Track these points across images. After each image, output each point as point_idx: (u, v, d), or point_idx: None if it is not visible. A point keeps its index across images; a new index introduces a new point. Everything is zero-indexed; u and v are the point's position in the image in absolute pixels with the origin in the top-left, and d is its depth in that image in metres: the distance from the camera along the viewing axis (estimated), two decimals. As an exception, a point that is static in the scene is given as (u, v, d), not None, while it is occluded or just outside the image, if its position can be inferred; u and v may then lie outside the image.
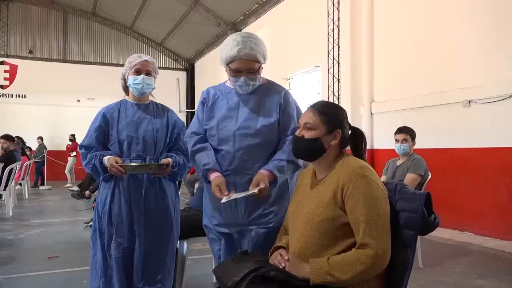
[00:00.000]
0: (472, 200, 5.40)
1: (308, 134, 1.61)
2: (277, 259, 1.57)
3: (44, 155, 12.83)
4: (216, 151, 2.00)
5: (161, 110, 2.49)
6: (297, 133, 1.66)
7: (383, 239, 1.42)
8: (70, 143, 13.18)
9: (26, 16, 15.14)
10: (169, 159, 2.35)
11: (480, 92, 5.40)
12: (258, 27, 11.44)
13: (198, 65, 16.78)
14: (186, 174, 2.68)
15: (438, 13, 6.08)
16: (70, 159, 12.96)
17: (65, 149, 13.50)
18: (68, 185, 12.32)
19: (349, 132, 1.67)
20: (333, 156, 1.63)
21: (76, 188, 10.64)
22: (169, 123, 2.45)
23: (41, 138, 13.21)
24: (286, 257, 1.54)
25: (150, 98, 2.52)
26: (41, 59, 15.21)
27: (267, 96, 2.03)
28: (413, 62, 6.50)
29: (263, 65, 2.03)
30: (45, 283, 3.52)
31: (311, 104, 1.67)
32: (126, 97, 2.48)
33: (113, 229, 2.30)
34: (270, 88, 2.07)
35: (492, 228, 5.16)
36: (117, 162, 2.22)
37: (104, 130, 2.35)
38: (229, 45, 1.94)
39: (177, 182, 2.57)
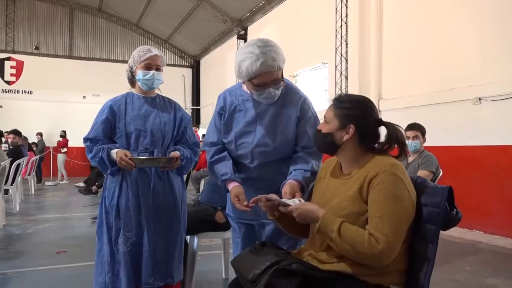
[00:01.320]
0: (481, 198, 5.35)
1: (324, 128, 1.61)
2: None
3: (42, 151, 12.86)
4: (234, 162, 1.99)
5: (167, 104, 2.47)
6: (319, 126, 1.67)
7: (392, 241, 1.38)
8: (60, 139, 13.14)
9: (32, 12, 15.18)
10: (178, 152, 2.33)
11: (490, 89, 5.35)
12: (265, 24, 11.40)
13: (204, 62, 16.76)
14: (192, 169, 2.67)
15: (447, 9, 6.02)
16: (60, 156, 12.90)
17: (74, 145, 13.48)
18: (64, 181, 12.40)
19: (375, 126, 1.58)
20: (355, 151, 1.57)
21: (81, 184, 10.67)
22: (176, 117, 2.44)
23: (40, 134, 13.25)
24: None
25: (156, 91, 2.49)
26: (47, 55, 15.25)
27: (284, 108, 1.95)
28: (422, 59, 6.44)
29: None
30: (53, 277, 3.52)
31: (335, 97, 1.64)
32: (132, 90, 2.45)
33: (120, 223, 2.26)
34: (287, 97, 1.97)
35: (501, 226, 5.12)
36: (126, 156, 2.18)
37: (111, 123, 2.32)
38: (248, 60, 1.78)
39: (184, 175, 2.57)
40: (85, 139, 2.32)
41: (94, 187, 7.65)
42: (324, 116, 1.63)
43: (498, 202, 5.15)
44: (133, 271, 2.24)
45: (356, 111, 1.57)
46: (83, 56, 15.73)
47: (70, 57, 15.54)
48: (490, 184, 5.28)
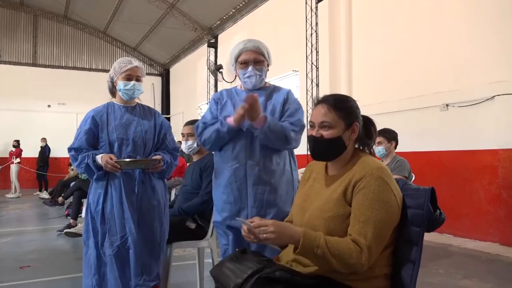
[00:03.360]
0: (451, 202, 5.46)
1: (327, 134, 1.50)
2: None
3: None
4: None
5: (147, 112, 2.58)
6: (313, 133, 1.53)
7: (373, 247, 1.36)
8: (13, 149, 12.38)
9: (-7, 18, 14.62)
10: (160, 155, 2.45)
11: (457, 96, 5.50)
12: (235, 32, 11.39)
13: (174, 70, 16.58)
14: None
15: (414, 18, 6.18)
16: (13, 166, 12.00)
17: (36, 155, 12.85)
18: (11, 195, 11.48)
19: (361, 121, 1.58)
20: (350, 151, 1.55)
21: (46, 196, 10.26)
22: (156, 124, 2.54)
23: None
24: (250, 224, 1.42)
25: (136, 100, 2.60)
26: (10, 62, 14.67)
27: (273, 95, 2.25)
28: (391, 67, 6.58)
29: (268, 68, 2.28)
30: (16, 294, 3.32)
31: (321, 98, 1.56)
32: (113, 100, 2.55)
33: (106, 228, 2.35)
34: (276, 89, 2.30)
35: (471, 229, 5.23)
36: (111, 159, 2.29)
37: (94, 133, 2.42)
38: (237, 45, 2.24)
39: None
40: (70, 149, 2.42)
41: (60, 198, 7.37)
42: (322, 121, 1.51)
43: (467, 206, 5.27)
44: (121, 273, 2.34)
45: (355, 109, 1.56)
46: (48, 64, 15.21)
47: (34, 64, 15.00)
48: (459, 188, 5.41)
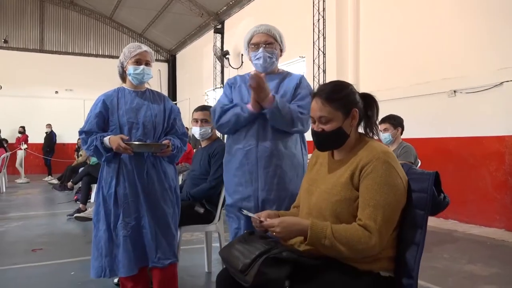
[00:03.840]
0: (457, 188, 5.47)
1: (327, 127, 1.53)
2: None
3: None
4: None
5: (157, 97, 2.61)
6: (315, 128, 1.58)
7: (383, 229, 1.40)
8: (20, 135, 12.53)
9: (0, 4, 14.60)
10: (169, 140, 2.49)
11: (465, 82, 5.46)
12: (242, 18, 11.33)
13: (180, 56, 16.55)
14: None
15: (424, 3, 6.12)
16: (19, 152, 12.10)
17: (42, 141, 13.04)
18: (20, 180, 11.49)
19: (361, 102, 1.59)
20: (354, 136, 1.58)
21: (55, 181, 10.40)
22: (166, 109, 2.57)
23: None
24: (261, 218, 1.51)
25: (146, 85, 2.63)
26: (17, 49, 14.71)
27: (286, 80, 2.30)
28: (398, 53, 6.53)
29: (282, 54, 2.33)
30: (30, 275, 3.41)
31: (315, 91, 1.59)
32: (123, 85, 2.59)
33: (119, 210, 2.41)
34: (289, 74, 2.34)
35: (476, 215, 5.26)
36: (122, 140, 2.32)
37: (104, 116, 2.46)
38: (250, 29, 2.31)
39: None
40: (80, 132, 2.47)
41: (69, 183, 7.48)
42: (320, 117, 1.54)
43: (472, 192, 5.28)
44: (136, 252, 2.39)
45: (351, 96, 1.57)
46: (54, 50, 15.23)
47: (41, 50, 15.04)
48: (465, 175, 5.42)
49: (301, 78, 2.29)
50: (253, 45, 2.25)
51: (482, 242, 4.50)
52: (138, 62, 2.46)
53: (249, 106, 2.14)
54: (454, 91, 5.62)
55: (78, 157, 11.99)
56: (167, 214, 2.48)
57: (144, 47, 2.52)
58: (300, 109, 2.15)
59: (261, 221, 1.49)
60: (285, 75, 2.32)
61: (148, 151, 2.44)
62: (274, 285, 1.35)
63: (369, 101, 1.61)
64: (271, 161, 2.15)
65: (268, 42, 2.23)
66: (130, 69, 2.48)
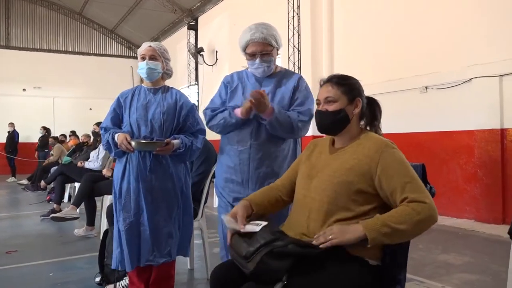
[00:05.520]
0: (429, 181, 5.65)
1: (331, 107, 1.61)
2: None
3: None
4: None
5: (170, 93, 2.61)
6: (319, 108, 1.65)
7: (428, 195, 1.46)
8: None
9: (-38, -2, 14.03)
10: (173, 141, 2.44)
11: (436, 78, 5.65)
12: (216, 15, 11.28)
13: (153, 53, 16.29)
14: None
15: (396, 3, 6.27)
16: None
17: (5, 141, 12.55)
18: None
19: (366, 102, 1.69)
20: (356, 126, 1.65)
21: (25, 181, 10.09)
22: (177, 105, 2.55)
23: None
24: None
25: (163, 82, 2.65)
26: (-19, 45, 14.19)
27: (284, 80, 2.26)
28: (373, 50, 6.68)
29: (279, 52, 2.30)
30: (7, 278, 3.31)
31: (326, 78, 1.68)
32: (143, 84, 2.64)
33: (122, 204, 2.46)
34: (287, 74, 2.31)
35: (448, 207, 5.45)
36: (126, 139, 2.38)
37: (118, 113, 2.55)
38: (244, 33, 2.22)
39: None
40: (101, 128, 2.60)
41: (42, 183, 7.27)
42: (326, 97, 1.62)
43: (444, 185, 5.47)
44: (133, 248, 2.42)
45: (357, 86, 1.67)
46: (22, 46, 14.73)
47: (7, 47, 14.50)
48: (437, 168, 5.60)
49: (299, 80, 2.26)
50: (249, 55, 2.20)
51: (454, 233, 4.68)
52: (143, 58, 2.51)
53: (237, 112, 2.13)
54: (426, 87, 5.80)
55: (38, 157, 11.72)
56: (167, 212, 2.48)
57: (149, 43, 2.54)
58: (301, 117, 2.15)
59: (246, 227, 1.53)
60: (282, 75, 2.29)
61: (151, 150, 2.42)
62: (273, 276, 1.37)
63: (372, 104, 1.72)
64: (263, 163, 2.17)
65: (265, 52, 2.17)
66: (138, 67, 2.55)
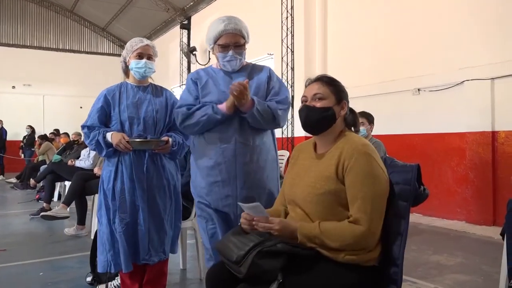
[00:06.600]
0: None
1: (319, 104, 1.61)
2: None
3: None
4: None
5: (159, 91, 2.60)
6: (307, 103, 1.64)
7: (375, 219, 1.45)
8: None
9: (-49, -7, 13.82)
10: (170, 138, 2.45)
11: (428, 80, 5.68)
12: (209, 14, 11.23)
13: (145, 52, 16.19)
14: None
15: (389, 4, 6.30)
16: None
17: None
18: None
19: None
20: (339, 129, 1.64)
21: (14, 180, 9.96)
22: (168, 104, 2.55)
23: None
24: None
25: (149, 80, 2.62)
26: (-30, 41, 13.99)
27: (255, 73, 2.23)
28: (365, 52, 6.70)
29: (246, 46, 2.21)
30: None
31: (315, 77, 1.68)
32: (126, 80, 2.58)
33: (116, 205, 2.41)
34: (255, 67, 2.28)
35: (439, 209, 5.49)
36: (124, 138, 2.32)
37: (105, 111, 2.46)
38: (215, 23, 2.13)
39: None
40: (83, 127, 2.48)
41: (32, 182, 7.18)
42: (315, 94, 1.62)
43: (435, 186, 5.50)
44: (130, 249, 2.40)
45: (344, 90, 1.67)
46: (11, 43, 14.54)
47: (-3, 43, 14.36)
48: (428, 170, 5.63)
49: (270, 71, 2.25)
50: (221, 46, 2.13)
51: (445, 234, 4.71)
52: (140, 56, 2.46)
53: (223, 108, 2.06)
54: (418, 89, 5.83)
55: (24, 155, 11.59)
56: (162, 210, 2.48)
57: (146, 41, 2.51)
58: (280, 105, 2.14)
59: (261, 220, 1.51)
60: (251, 68, 2.26)
61: (149, 148, 2.42)
62: (269, 276, 1.37)
63: (354, 113, 1.73)
64: (250, 158, 2.11)
65: (238, 44, 2.13)
66: (132, 63, 2.47)
